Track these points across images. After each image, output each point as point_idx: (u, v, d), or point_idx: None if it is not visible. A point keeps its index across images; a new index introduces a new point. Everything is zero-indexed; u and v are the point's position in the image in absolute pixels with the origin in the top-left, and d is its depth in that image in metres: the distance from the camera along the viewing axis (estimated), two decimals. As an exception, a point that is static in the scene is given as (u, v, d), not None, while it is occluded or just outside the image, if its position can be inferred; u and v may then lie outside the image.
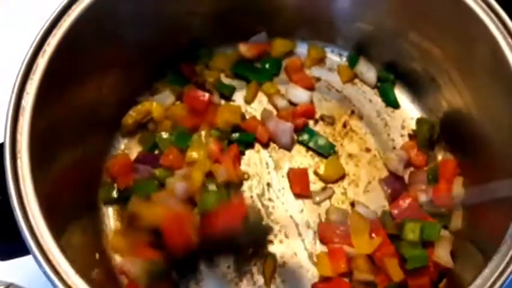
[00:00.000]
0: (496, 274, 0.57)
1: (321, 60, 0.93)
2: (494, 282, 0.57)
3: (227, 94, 0.88)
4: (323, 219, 0.80)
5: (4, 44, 0.97)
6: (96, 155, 0.80)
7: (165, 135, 0.83)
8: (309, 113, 0.87)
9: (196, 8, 0.83)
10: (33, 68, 0.64)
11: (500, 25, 0.67)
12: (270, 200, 0.82)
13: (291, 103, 0.88)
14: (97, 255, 0.72)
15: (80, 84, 0.72)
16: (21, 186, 0.58)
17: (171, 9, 0.79)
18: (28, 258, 0.58)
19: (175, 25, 0.83)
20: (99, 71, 0.76)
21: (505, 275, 0.56)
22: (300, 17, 0.89)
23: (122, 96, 0.83)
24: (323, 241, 0.78)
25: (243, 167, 0.84)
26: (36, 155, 0.61)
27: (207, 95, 0.83)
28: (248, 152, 0.85)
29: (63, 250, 0.56)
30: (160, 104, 0.85)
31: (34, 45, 0.65)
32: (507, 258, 0.57)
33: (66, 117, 0.69)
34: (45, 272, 0.56)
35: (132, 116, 0.84)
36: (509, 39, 0.66)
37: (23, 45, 0.65)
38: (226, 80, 0.89)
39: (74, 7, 0.67)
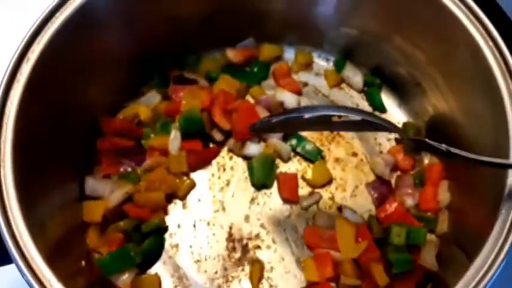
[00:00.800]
0: (477, 278, 0.57)
1: (308, 65, 0.93)
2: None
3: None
4: (310, 224, 0.80)
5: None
6: (82, 161, 0.80)
7: (148, 130, 0.84)
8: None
9: (183, 13, 0.83)
10: (17, 75, 0.64)
11: (481, 29, 0.68)
12: (258, 204, 0.82)
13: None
14: (83, 263, 0.71)
15: (65, 91, 0.72)
16: (4, 195, 0.58)
17: (157, 15, 0.80)
18: (12, 267, 0.58)
19: (162, 31, 0.83)
20: (85, 77, 0.76)
21: (486, 280, 0.57)
22: (286, 23, 0.89)
23: (108, 101, 0.84)
24: (309, 246, 0.78)
25: (231, 172, 0.84)
26: (20, 164, 0.61)
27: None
28: (236, 158, 0.85)
29: (46, 258, 0.56)
30: (147, 105, 0.85)
31: (18, 52, 0.65)
32: (489, 262, 0.58)
33: (51, 124, 0.69)
34: (27, 281, 0.55)
35: (119, 119, 0.84)
36: (490, 43, 0.67)
37: (9, 52, 0.65)
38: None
39: (57, 14, 0.67)
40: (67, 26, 0.68)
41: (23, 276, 0.56)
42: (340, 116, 0.63)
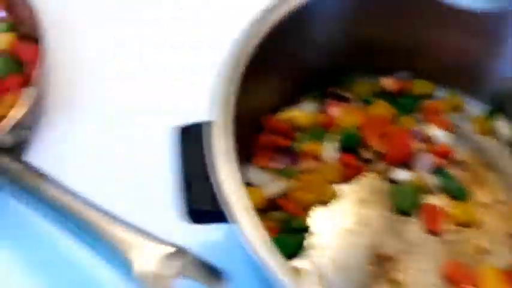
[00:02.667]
0: None
1: (458, 108, 0.96)
2: None
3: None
4: (451, 258, 0.81)
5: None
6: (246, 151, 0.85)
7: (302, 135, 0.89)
8: (447, 154, 0.90)
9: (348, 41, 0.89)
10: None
11: None
12: (398, 229, 0.84)
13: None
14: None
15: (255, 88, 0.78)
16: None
17: (346, 35, 0.86)
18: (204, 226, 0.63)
19: (334, 49, 0.90)
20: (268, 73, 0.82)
21: None
22: (450, 65, 0.93)
23: (272, 102, 0.90)
24: (448, 279, 0.79)
25: (376, 192, 0.87)
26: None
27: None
28: (382, 180, 0.88)
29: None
30: (303, 112, 0.91)
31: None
32: None
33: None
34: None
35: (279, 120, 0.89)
36: None
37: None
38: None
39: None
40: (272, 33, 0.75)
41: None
42: None
